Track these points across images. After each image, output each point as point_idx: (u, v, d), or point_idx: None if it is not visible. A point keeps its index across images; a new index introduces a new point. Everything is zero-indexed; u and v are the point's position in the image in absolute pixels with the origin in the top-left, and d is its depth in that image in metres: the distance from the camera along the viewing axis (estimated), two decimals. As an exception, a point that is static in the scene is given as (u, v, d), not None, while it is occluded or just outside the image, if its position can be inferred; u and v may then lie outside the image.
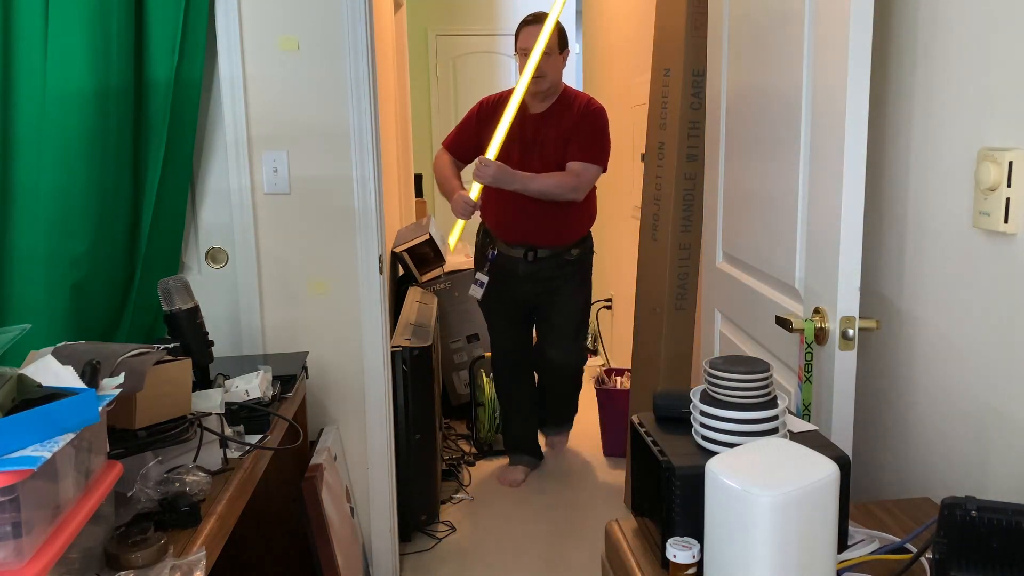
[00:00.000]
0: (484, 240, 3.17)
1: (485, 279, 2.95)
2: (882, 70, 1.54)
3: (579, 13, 6.28)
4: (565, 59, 2.96)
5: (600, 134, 2.91)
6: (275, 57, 2.32)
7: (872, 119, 1.53)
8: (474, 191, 2.89)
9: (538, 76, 2.86)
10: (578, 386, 3.46)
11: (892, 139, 1.52)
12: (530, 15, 2.94)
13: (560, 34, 2.90)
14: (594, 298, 3.48)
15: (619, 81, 4.30)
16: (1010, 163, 1.18)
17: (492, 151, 2.87)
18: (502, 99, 2.98)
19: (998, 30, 1.22)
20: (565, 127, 2.92)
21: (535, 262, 3.03)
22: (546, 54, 2.85)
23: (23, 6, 1.94)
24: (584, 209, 3.05)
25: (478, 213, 3.00)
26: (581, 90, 3.28)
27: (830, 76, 1.42)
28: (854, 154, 1.38)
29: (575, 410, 3.55)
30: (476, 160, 2.89)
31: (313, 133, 2.36)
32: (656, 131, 2.84)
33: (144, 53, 2.12)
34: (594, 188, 3.05)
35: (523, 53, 2.87)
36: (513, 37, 2.95)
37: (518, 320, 3.23)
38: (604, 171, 2.97)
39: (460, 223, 3.08)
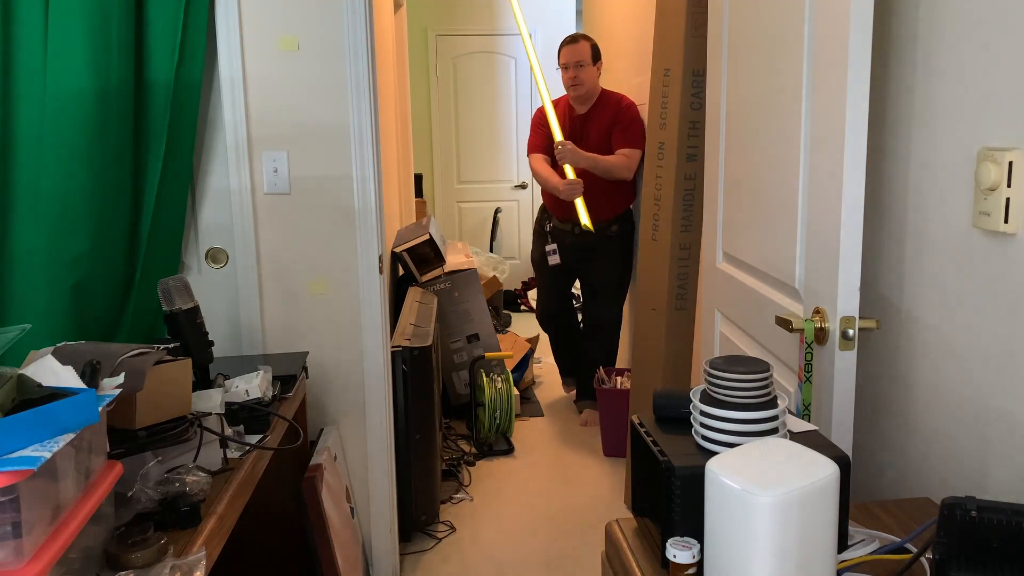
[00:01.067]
0: (542, 218, 3.90)
1: (555, 246, 3.74)
2: (882, 70, 1.54)
3: (579, 13, 6.28)
4: (599, 69, 3.61)
5: (636, 123, 3.50)
6: (275, 57, 2.32)
7: (872, 119, 1.53)
8: (569, 173, 3.52)
9: (576, 84, 3.53)
10: (611, 351, 3.92)
11: (892, 139, 1.52)
12: (569, 36, 3.65)
13: (594, 49, 3.58)
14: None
15: (619, 81, 4.30)
16: (1010, 163, 1.18)
17: (559, 136, 3.58)
18: (554, 103, 3.75)
19: (998, 30, 1.22)
20: (606, 122, 3.56)
21: (580, 235, 3.64)
22: (581, 65, 3.52)
23: (23, 6, 1.93)
24: (620, 189, 3.61)
25: (536, 195, 3.94)
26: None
27: (830, 76, 1.42)
28: (854, 154, 1.38)
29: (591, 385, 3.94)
30: (555, 147, 3.52)
31: (313, 133, 2.36)
32: (656, 131, 2.84)
33: (144, 53, 2.12)
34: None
35: (564, 68, 3.58)
36: (516, 41, 3.78)
37: (561, 281, 3.93)
38: (643, 153, 3.41)
39: (579, 202, 3.54)
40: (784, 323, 1.51)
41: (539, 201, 4.11)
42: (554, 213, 3.78)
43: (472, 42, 6.60)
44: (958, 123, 1.31)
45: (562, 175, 3.55)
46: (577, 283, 4.06)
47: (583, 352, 3.95)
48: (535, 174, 3.75)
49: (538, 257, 3.87)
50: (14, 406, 1.05)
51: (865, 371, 1.62)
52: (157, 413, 1.42)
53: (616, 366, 4.03)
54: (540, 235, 3.90)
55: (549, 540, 2.93)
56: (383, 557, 2.59)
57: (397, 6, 4.61)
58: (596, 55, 3.56)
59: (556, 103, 3.73)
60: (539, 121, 3.76)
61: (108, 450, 1.21)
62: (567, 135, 3.58)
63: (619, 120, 3.50)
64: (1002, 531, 0.92)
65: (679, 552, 0.98)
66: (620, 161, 3.47)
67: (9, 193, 1.97)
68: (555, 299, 3.94)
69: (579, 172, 3.51)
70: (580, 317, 4.19)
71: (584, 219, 3.52)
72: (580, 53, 3.51)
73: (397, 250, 3.84)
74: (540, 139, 3.74)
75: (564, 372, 4.24)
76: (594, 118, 3.57)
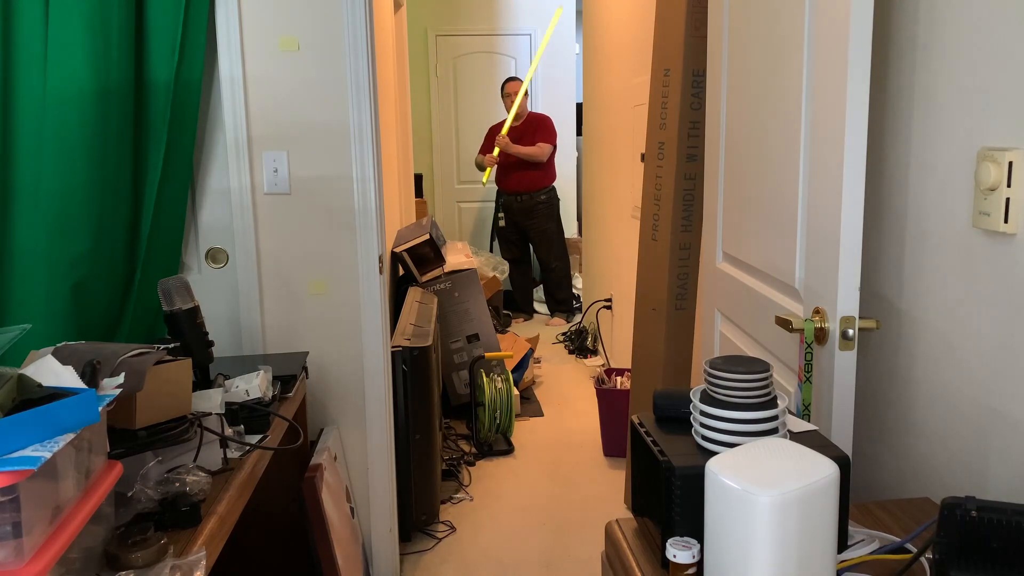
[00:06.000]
0: (498, 195, 6.00)
1: (502, 213, 5.91)
2: (882, 70, 1.54)
3: (579, 13, 6.28)
4: (527, 99, 5.80)
5: (550, 130, 5.76)
6: (275, 57, 2.33)
7: (872, 119, 1.54)
8: (495, 151, 5.75)
9: (520, 112, 5.75)
10: (564, 284, 6.04)
11: (892, 139, 1.52)
12: (511, 77, 5.95)
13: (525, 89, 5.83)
14: (594, 298, 5.19)
15: (619, 81, 4.30)
16: (1010, 163, 1.18)
17: (506, 128, 5.77)
18: (499, 124, 5.86)
19: (998, 30, 1.22)
20: (531, 129, 5.75)
21: (522, 201, 5.84)
22: (518, 94, 5.68)
23: (23, 6, 1.93)
24: (545, 171, 5.80)
25: (495, 177, 5.96)
26: (579, 92, 5.86)
27: (830, 76, 1.43)
28: (854, 154, 1.38)
29: (570, 302, 6.11)
30: (497, 138, 5.72)
31: (313, 133, 2.36)
32: (656, 131, 2.84)
33: (144, 53, 2.12)
34: (553, 159, 5.83)
35: (507, 95, 5.75)
36: (501, 84, 6.01)
37: (517, 237, 5.99)
38: (554, 148, 5.78)
39: (488, 170, 5.85)
40: (784, 323, 1.51)
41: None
42: (504, 190, 5.90)
43: (472, 42, 6.59)
44: (958, 123, 1.31)
45: (500, 163, 5.82)
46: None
47: (544, 285, 6.11)
48: (477, 159, 5.91)
49: (496, 221, 6.05)
50: (14, 406, 1.05)
51: (865, 371, 1.63)
52: (157, 413, 1.42)
53: (616, 366, 4.02)
54: (497, 206, 6.02)
55: (549, 540, 2.93)
56: (383, 557, 2.59)
57: (397, 6, 4.61)
58: (527, 91, 5.84)
59: (499, 124, 5.81)
60: (490, 134, 5.87)
61: (108, 450, 1.21)
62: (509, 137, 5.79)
63: (539, 128, 5.71)
64: (1002, 531, 0.92)
65: (679, 552, 0.98)
66: (534, 150, 5.65)
67: (9, 193, 1.97)
68: (514, 249, 6.00)
69: (514, 161, 5.70)
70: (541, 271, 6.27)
71: (484, 178, 5.90)
72: (518, 87, 5.67)
73: (397, 250, 3.84)
74: (488, 146, 5.86)
75: (517, 307, 6.16)
76: (524, 128, 5.74)
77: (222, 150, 2.36)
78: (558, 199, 5.93)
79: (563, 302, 6.05)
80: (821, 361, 1.48)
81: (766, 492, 0.89)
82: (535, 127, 5.73)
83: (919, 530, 1.13)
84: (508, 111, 5.76)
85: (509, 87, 5.76)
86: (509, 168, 5.76)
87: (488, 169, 5.80)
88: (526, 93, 5.76)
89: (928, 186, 1.41)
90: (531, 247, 6.04)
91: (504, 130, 5.75)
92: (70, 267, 1.96)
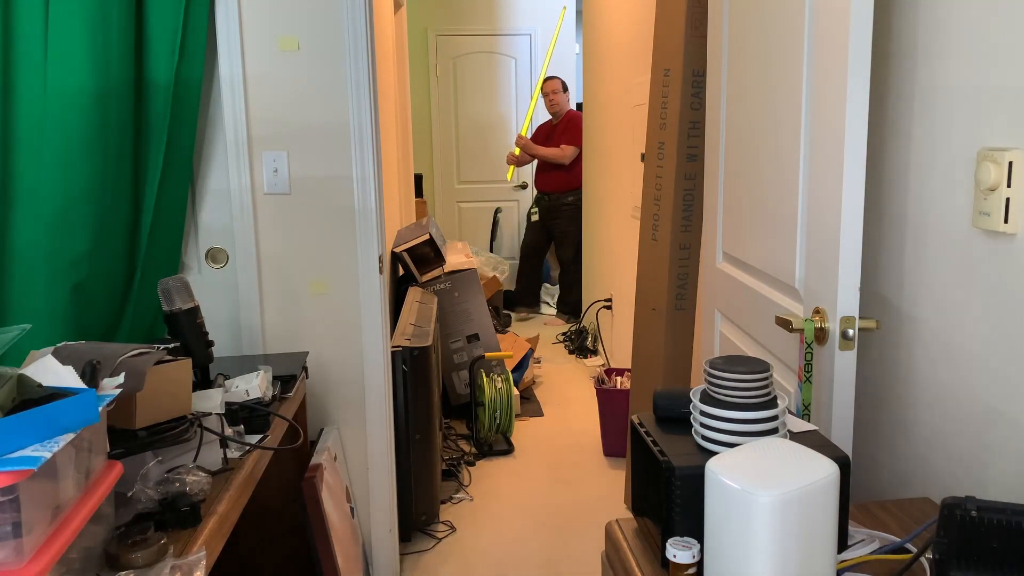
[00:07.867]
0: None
1: (535, 208, 6.04)
2: (882, 70, 1.54)
3: (579, 13, 6.28)
4: (567, 96, 5.85)
5: (577, 130, 5.67)
6: (275, 57, 2.33)
7: (872, 119, 1.53)
8: (516, 150, 6.03)
9: (552, 103, 5.79)
10: (575, 288, 5.99)
11: (892, 139, 1.52)
12: (549, 75, 5.97)
13: (563, 83, 5.82)
14: (594, 298, 5.20)
15: (619, 81, 4.30)
16: (1010, 163, 1.18)
17: (527, 133, 6.24)
18: (544, 124, 6.00)
19: (998, 30, 1.22)
20: (561, 129, 5.80)
21: (548, 200, 5.92)
22: (556, 92, 5.76)
23: (23, 6, 1.93)
24: (571, 173, 5.76)
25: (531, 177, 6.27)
26: (579, 92, 5.96)
27: (830, 76, 1.43)
28: (854, 154, 1.38)
29: (578, 306, 5.92)
30: (517, 139, 6.04)
31: (313, 133, 2.36)
32: (656, 131, 2.84)
33: (144, 53, 2.12)
34: (580, 161, 5.67)
35: (545, 94, 5.80)
36: (537, 79, 6.33)
37: (540, 232, 6.06)
38: (579, 149, 5.65)
39: (512, 168, 6.36)
40: (784, 323, 1.51)
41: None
42: (537, 188, 6.01)
43: (472, 42, 6.60)
44: (958, 124, 1.31)
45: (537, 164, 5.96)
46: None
47: (559, 282, 6.19)
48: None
49: (529, 215, 6.32)
50: (14, 406, 1.05)
51: (865, 371, 1.63)
52: (157, 413, 1.42)
53: (616, 366, 4.02)
54: (533, 201, 6.17)
55: (549, 540, 2.93)
56: (383, 557, 2.59)
57: (397, 6, 4.61)
58: (565, 88, 5.83)
59: (544, 123, 5.94)
60: (538, 132, 6.04)
61: (108, 450, 1.21)
62: (546, 137, 5.89)
63: (568, 128, 5.72)
64: (1002, 531, 0.92)
65: (679, 552, 0.98)
66: (554, 152, 5.74)
67: (9, 193, 1.97)
68: (535, 241, 6.08)
69: (541, 162, 5.86)
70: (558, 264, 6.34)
71: (508, 175, 6.42)
72: (555, 85, 5.77)
73: (397, 250, 3.84)
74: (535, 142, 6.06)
75: (518, 300, 6.25)
76: (560, 126, 5.80)
77: (222, 150, 2.36)
78: (582, 200, 5.87)
79: (571, 304, 6.05)
80: (821, 361, 1.48)
81: (766, 492, 0.89)
82: (564, 127, 5.77)
83: (919, 530, 1.13)
84: (548, 110, 5.83)
85: (546, 86, 5.83)
86: (541, 166, 5.91)
87: (511, 167, 6.10)
88: (555, 91, 5.77)
89: (928, 186, 1.41)
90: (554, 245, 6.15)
91: (523, 130, 6.15)
92: (70, 267, 1.96)
